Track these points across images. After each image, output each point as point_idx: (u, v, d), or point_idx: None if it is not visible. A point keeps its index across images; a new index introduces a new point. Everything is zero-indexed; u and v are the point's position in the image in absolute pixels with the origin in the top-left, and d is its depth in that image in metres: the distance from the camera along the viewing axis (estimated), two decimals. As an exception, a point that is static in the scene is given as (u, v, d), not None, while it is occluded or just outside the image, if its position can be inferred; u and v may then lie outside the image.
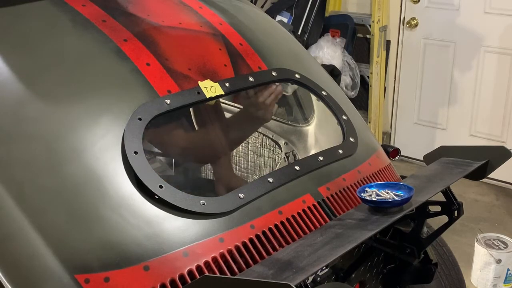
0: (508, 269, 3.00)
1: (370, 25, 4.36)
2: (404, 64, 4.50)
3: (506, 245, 3.03)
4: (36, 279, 1.25)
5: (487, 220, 3.76)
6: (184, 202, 1.31)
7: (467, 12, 4.10)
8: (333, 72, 4.12)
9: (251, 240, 1.33)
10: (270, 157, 1.69)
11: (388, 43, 4.49)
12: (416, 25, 4.35)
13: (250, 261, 1.30)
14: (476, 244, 3.05)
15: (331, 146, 1.63)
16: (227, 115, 1.89)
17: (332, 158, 1.58)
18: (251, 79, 1.64)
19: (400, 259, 1.65)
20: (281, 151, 1.85)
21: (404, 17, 4.40)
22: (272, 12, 4.39)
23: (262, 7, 4.53)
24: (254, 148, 1.62)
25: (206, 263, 1.27)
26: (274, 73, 1.70)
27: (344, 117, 1.71)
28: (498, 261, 2.97)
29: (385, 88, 4.58)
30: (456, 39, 4.20)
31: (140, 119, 1.39)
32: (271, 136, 1.85)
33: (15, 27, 1.54)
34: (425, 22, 4.33)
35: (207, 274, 1.23)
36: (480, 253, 3.02)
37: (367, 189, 1.41)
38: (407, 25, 4.39)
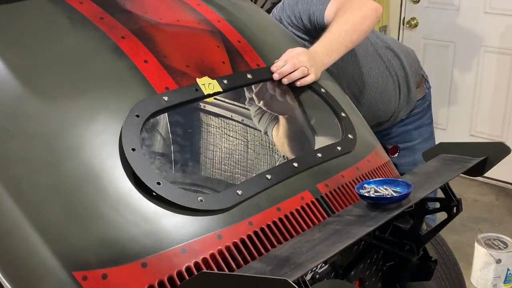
0: (508, 269, 3.00)
1: (370, 25, 4.35)
2: (404, 64, 4.49)
3: (506, 245, 3.03)
4: (34, 277, 1.25)
5: (487, 220, 3.75)
6: (182, 198, 1.31)
7: (467, 12, 4.10)
8: (333, 72, 4.11)
9: (249, 236, 1.32)
10: (270, 155, 1.68)
11: (388, 43, 4.48)
12: (416, 25, 4.35)
13: (248, 258, 1.29)
14: (476, 244, 3.05)
15: (330, 143, 1.63)
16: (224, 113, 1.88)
17: (330, 154, 1.58)
18: (249, 76, 1.64)
19: (399, 256, 1.65)
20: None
21: (404, 17, 4.39)
22: (272, 12, 4.37)
23: (262, 7, 4.51)
24: (253, 146, 1.61)
25: (204, 260, 1.26)
26: None
27: (342, 114, 1.71)
28: (498, 261, 2.97)
29: (385, 88, 4.57)
30: (456, 39, 4.19)
31: (137, 116, 1.39)
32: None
33: (12, 24, 1.54)
34: (425, 22, 4.33)
35: (204, 270, 1.23)
36: (480, 253, 3.02)
37: (365, 185, 1.41)
38: (407, 25, 4.38)
